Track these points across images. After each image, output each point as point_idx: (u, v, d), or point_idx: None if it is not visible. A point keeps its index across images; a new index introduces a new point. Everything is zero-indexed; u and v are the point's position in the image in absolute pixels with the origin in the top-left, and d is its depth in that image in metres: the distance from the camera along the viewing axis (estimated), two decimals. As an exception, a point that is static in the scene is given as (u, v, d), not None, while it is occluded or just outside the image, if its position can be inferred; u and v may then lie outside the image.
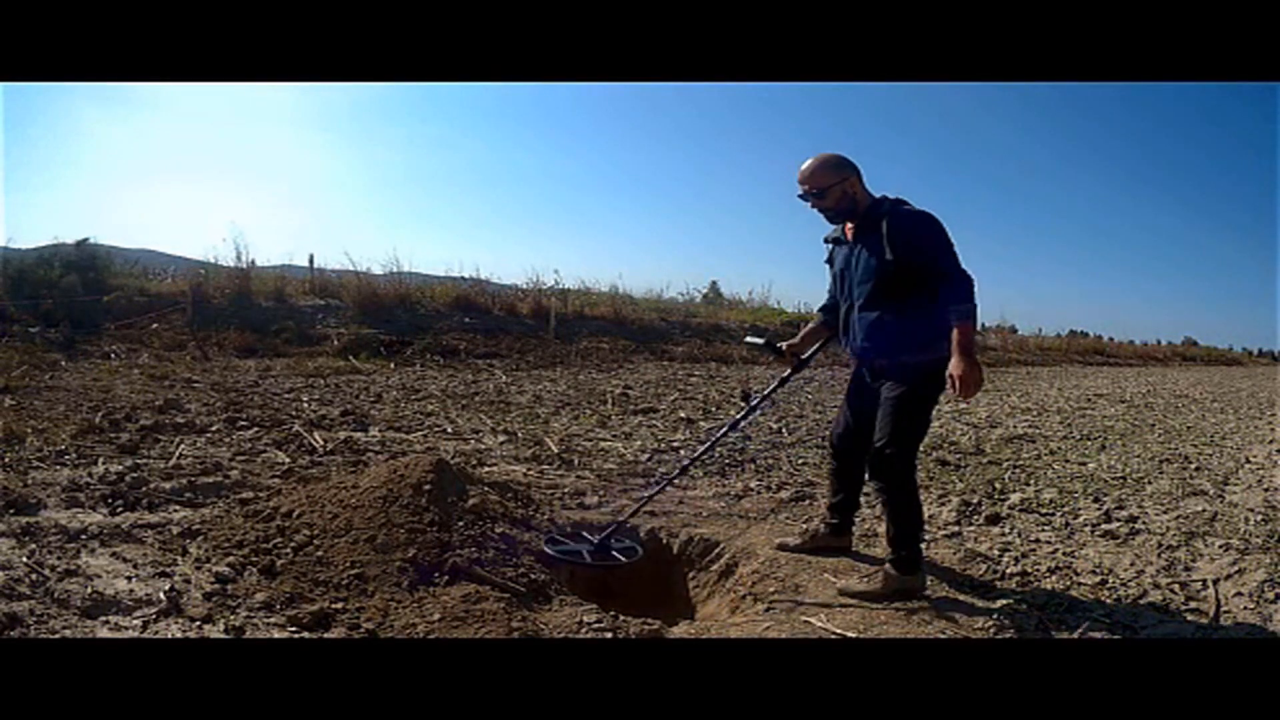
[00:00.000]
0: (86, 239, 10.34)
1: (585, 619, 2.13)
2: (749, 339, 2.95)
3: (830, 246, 2.75)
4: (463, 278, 13.22)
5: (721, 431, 2.80)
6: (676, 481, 3.83)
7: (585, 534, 2.76)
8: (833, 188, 2.49)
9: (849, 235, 2.60)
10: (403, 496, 2.53)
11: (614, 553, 2.66)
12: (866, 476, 2.59)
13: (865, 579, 2.48)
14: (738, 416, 2.77)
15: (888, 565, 2.45)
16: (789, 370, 2.78)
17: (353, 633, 1.96)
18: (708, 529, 3.07)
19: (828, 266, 2.77)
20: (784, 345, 2.82)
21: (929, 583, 2.49)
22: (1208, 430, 6.99)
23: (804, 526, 2.94)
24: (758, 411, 2.71)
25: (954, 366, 2.29)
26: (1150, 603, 2.46)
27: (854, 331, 2.58)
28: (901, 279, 2.39)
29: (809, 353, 2.78)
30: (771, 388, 2.77)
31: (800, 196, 2.57)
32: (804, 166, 2.53)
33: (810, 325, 2.84)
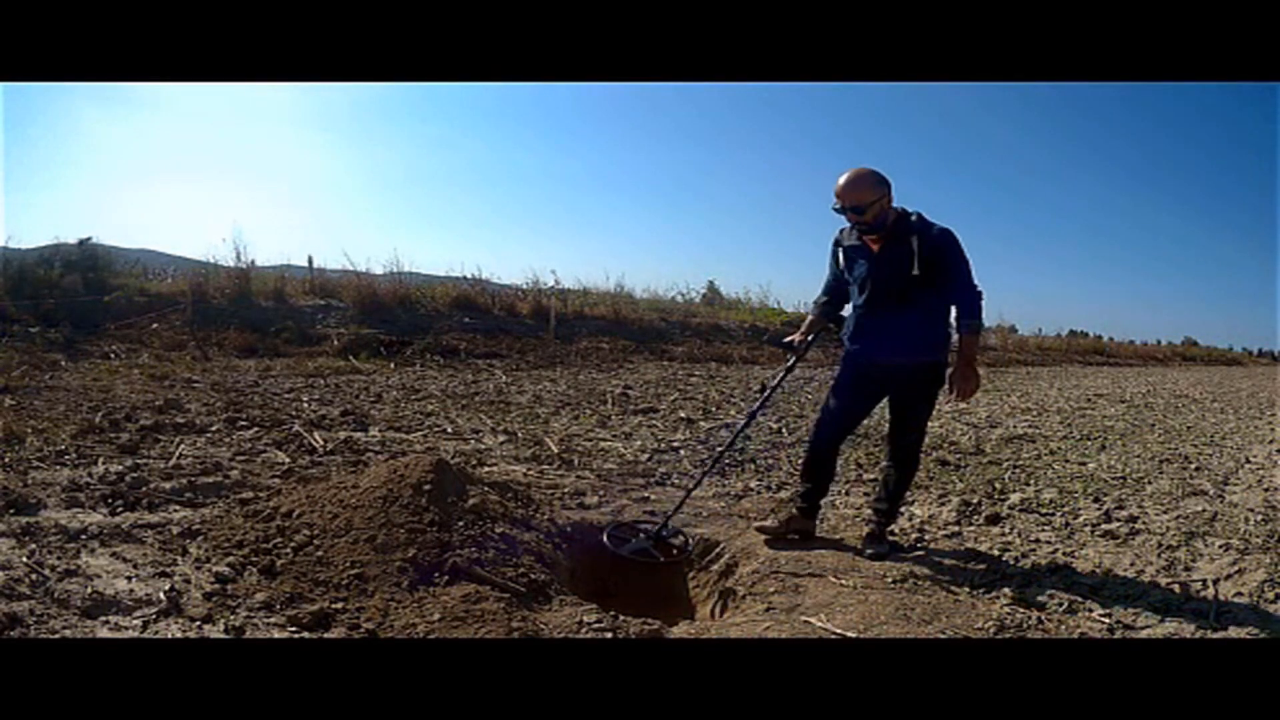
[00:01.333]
0: (87, 239, 10.32)
1: (585, 619, 2.13)
2: (782, 341, 3.18)
3: (840, 249, 2.87)
4: (463, 278, 13.19)
5: (743, 424, 3.18)
6: (679, 481, 3.86)
7: (641, 529, 3.01)
8: (872, 205, 2.63)
9: (874, 246, 2.73)
10: (403, 496, 2.52)
11: (672, 544, 2.92)
12: (888, 462, 2.87)
13: (870, 546, 2.82)
14: (754, 407, 3.09)
15: (885, 531, 2.89)
16: (792, 360, 2.97)
17: (353, 633, 1.96)
18: (708, 529, 3.07)
19: (835, 264, 2.89)
20: (795, 340, 2.98)
21: (929, 583, 2.54)
22: (1208, 430, 6.99)
23: (776, 508, 3.19)
24: (772, 398, 3.08)
25: (958, 373, 2.67)
26: (1150, 603, 2.46)
27: (872, 334, 2.74)
28: (923, 290, 2.62)
29: (808, 344, 2.95)
30: (779, 378, 3.01)
31: (837, 210, 2.68)
32: (843, 182, 2.65)
33: (810, 318, 3.00)
